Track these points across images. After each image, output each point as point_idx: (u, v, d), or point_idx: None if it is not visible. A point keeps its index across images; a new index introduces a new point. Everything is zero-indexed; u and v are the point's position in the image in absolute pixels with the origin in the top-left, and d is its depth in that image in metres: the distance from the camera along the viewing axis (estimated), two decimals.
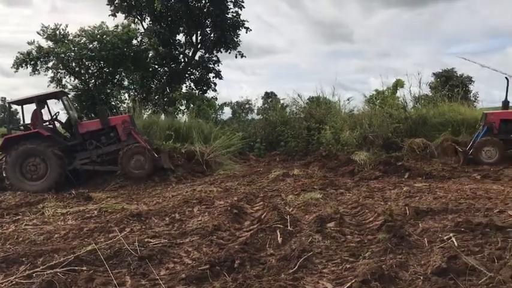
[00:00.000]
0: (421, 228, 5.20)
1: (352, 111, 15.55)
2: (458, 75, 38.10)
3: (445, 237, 4.71)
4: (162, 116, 16.90)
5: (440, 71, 39.29)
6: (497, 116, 11.34)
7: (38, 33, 16.76)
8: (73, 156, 10.59)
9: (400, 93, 16.77)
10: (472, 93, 35.04)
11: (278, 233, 5.21)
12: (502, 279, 3.46)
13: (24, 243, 5.38)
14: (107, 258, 4.53)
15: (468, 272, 3.70)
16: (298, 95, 17.39)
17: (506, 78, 12.10)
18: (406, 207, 6.11)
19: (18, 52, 16.80)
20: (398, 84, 16.72)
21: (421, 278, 3.70)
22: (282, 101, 19.23)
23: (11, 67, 16.83)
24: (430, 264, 3.96)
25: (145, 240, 5.20)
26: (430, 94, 21.05)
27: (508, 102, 11.82)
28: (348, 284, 3.62)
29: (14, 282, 3.92)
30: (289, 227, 5.45)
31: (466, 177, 9.10)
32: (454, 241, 4.55)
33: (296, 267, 4.10)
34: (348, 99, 16.58)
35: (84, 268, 4.26)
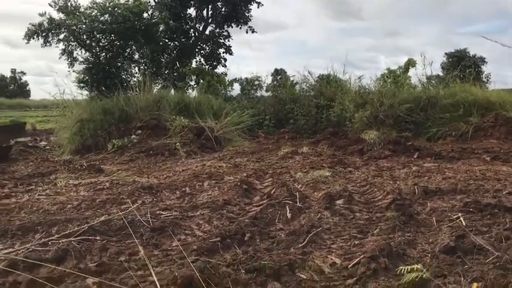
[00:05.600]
0: (429, 208, 5.23)
1: (363, 90, 15.39)
2: (471, 55, 37.68)
3: (454, 217, 4.74)
4: (172, 91, 16.91)
5: (453, 51, 38.97)
6: None
7: (49, 4, 16.73)
8: None
9: (411, 72, 16.65)
10: (484, 74, 34.80)
11: (287, 209, 5.27)
12: (509, 258, 3.49)
13: (38, 212, 5.47)
14: (120, 228, 4.63)
15: (476, 251, 3.74)
16: (309, 72, 17.30)
17: None
18: (415, 187, 6.14)
19: (30, 23, 16.81)
20: (410, 63, 16.57)
21: (429, 255, 3.74)
22: (291, 78, 19.13)
23: (23, 38, 16.88)
24: (438, 243, 4.00)
25: (157, 212, 5.28)
26: (442, 74, 20.86)
27: None
28: (357, 260, 3.67)
29: (30, 250, 4.00)
30: (298, 203, 5.51)
31: (476, 159, 9.04)
32: (462, 221, 4.59)
33: (305, 242, 4.16)
34: (359, 78, 16.44)
35: (98, 238, 4.34)
